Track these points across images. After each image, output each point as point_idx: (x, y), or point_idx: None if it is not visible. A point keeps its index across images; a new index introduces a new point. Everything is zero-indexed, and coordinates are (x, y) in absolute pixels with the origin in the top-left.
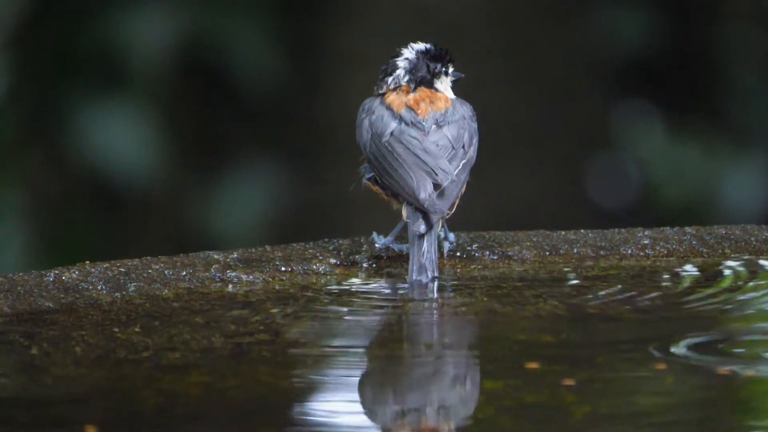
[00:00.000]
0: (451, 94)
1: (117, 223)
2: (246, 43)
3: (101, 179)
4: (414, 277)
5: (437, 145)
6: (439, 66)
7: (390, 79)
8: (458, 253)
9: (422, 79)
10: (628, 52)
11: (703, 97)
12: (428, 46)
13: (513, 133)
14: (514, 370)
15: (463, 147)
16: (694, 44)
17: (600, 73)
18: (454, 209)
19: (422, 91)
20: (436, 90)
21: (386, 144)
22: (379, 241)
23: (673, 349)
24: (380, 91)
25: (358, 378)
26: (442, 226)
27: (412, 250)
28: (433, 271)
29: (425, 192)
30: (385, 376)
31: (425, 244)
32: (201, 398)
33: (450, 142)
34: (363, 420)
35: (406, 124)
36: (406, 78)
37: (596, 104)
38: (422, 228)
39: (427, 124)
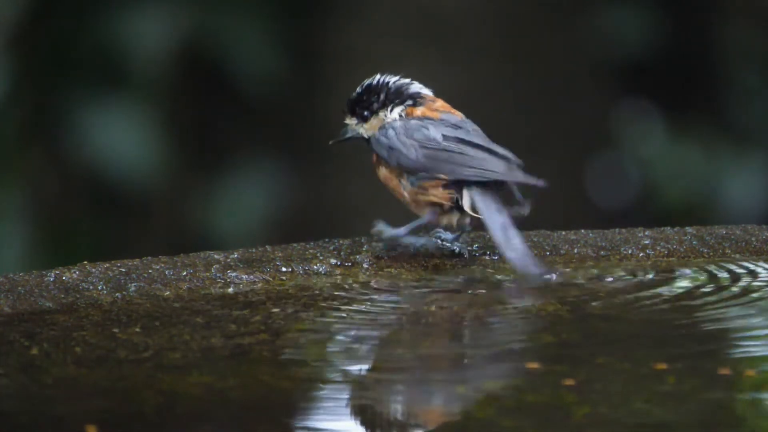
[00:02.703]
0: None
1: (117, 223)
2: (246, 43)
3: (101, 179)
4: (530, 270)
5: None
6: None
7: (425, 91)
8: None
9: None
10: (629, 51)
11: (703, 97)
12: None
13: (513, 133)
14: (514, 370)
15: None
16: (694, 44)
17: (600, 73)
18: None
19: (439, 101)
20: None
21: (445, 146)
22: (389, 231)
23: (673, 349)
24: (394, 114)
25: (359, 378)
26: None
27: (500, 240)
28: (542, 265)
29: (512, 172)
30: (385, 376)
31: (513, 231)
32: (201, 398)
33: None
34: (363, 420)
35: (452, 125)
36: (424, 90)
37: (596, 104)
38: (508, 212)
39: (467, 125)
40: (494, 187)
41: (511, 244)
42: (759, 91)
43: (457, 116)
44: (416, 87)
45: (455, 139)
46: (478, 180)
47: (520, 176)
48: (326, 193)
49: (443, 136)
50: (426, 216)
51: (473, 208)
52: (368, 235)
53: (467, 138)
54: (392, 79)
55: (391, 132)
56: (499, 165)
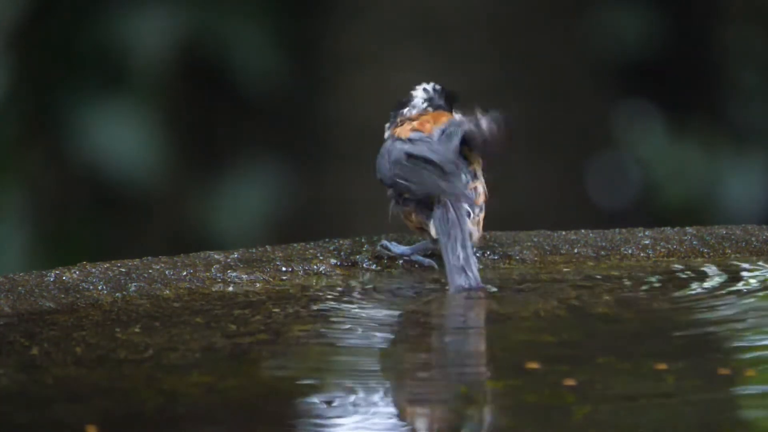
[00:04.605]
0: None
1: (117, 223)
2: (246, 42)
3: (101, 179)
4: (456, 282)
5: (449, 140)
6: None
7: (405, 110)
8: None
9: (439, 107)
10: (628, 52)
11: (703, 97)
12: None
13: (513, 134)
14: (514, 370)
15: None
16: (694, 44)
17: (600, 73)
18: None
19: (428, 113)
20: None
21: (403, 162)
22: (395, 249)
23: (673, 349)
24: (395, 121)
25: (358, 378)
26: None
27: (445, 254)
28: (476, 278)
29: (444, 182)
30: (385, 376)
31: (459, 246)
32: (201, 398)
33: (458, 140)
34: (363, 420)
35: (416, 141)
36: (425, 105)
37: (596, 104)
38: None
39: (434, 137)
40: (458, 209)
41: (453, 257)
42: (759, 91)
43: (425, 131)
44: (413, 103)
45: (411, 155)
46: (425, 196)
47: (446, 190)
48: (326, 193)
49: (407, 155)
50: (425, 242)
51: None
52: (368, 235)
53: (420, 152)
54: (414, 91)
55: (383, 150)
56: (430, 179)
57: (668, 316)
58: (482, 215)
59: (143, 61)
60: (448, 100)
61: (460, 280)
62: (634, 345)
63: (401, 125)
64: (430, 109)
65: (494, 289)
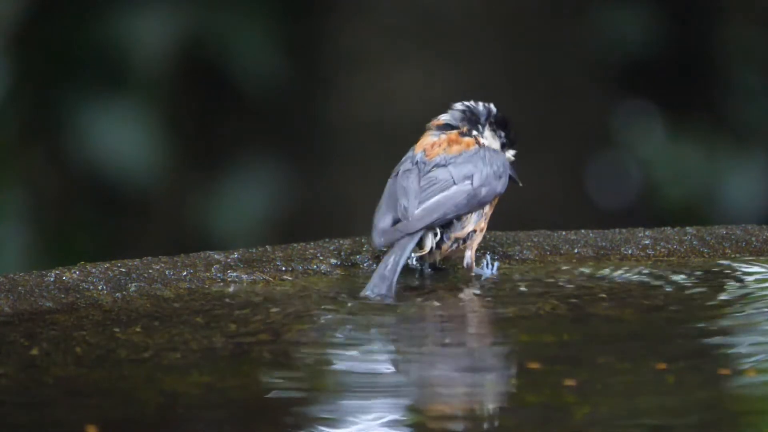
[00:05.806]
0: (492, 145)
1: (117, 223)
2: (247, 42)
3: (101, 179)
4: (367, 291)
5: (437, 178)
6: (502, 132)
7: (444, 115)
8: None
9: (471, 120)
10: (628, 52)
11: (703, 97)
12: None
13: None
14: (514, 370)
15: (472, 183)
16: (694, 44)
17: (600, 73)
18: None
19: (449, 135)
20: (471, 136)
21: (389, 183)
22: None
23: (673, 349)
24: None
25: (358, 378)
26: (483, 258)
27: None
28: (389, 289)
29: (377, 229)
30: (385, 376)
31: (391, 259)
32: (201, 398)
33: (451, 177)
34: (363, 420)
35: (414, 164)
36: (459, 116)
37: (596, 104)
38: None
39: (428, 166)
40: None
41: (379, 268)
42: (759, 91)
43: (429, 155)
44: (441, 118)
45: (396, 181)
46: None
47: (373, 239)
48: (326, 193)
49: (397, 173)
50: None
51: None
52: (368, 235)
53: (397, 183)
54: (457, 104)
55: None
56: (377, 219)
57: (668, 316)
58: (476, 240)
59: (143, 60)
60: (497, 123)
61: (373, 286)
62: (634, 345)
63: (424, 137)
64: (455, 122)
65: (392, 301)
